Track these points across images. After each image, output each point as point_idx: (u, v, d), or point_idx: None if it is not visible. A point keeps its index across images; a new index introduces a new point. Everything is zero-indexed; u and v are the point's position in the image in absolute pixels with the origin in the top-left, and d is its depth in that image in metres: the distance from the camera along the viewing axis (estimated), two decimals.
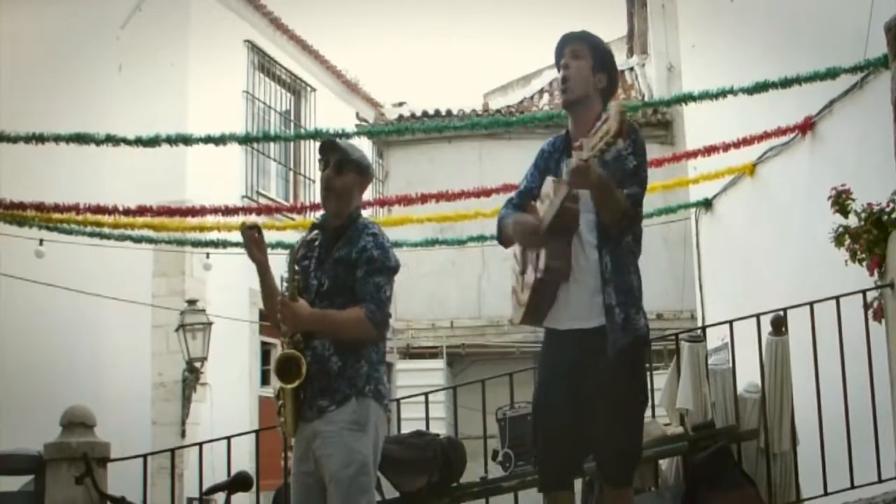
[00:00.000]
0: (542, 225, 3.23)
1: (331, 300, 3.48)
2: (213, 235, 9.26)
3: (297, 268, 3.54)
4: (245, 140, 8.58)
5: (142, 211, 8.35)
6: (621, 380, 3.22)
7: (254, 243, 3.60)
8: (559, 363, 3.29)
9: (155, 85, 10.87)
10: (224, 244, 9.31)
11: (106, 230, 8.54)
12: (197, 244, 9.68)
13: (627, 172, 3.24)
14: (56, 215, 7.98)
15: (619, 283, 3.26)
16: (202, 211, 8.71)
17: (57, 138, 7.11)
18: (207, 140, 7.61)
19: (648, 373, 5.97)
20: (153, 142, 7.47)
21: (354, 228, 3.57)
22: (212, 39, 11.65)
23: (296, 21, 13.51)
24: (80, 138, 7.19)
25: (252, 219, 3.12)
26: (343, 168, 3.58)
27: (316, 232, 3.64)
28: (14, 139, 7.09)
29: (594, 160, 2.95)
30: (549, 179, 3.33)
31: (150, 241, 9.13)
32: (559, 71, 3.41)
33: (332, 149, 3.63)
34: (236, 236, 9.29)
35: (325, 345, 3.45)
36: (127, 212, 8.25)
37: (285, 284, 3.52)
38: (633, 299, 3.29)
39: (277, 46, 13.31)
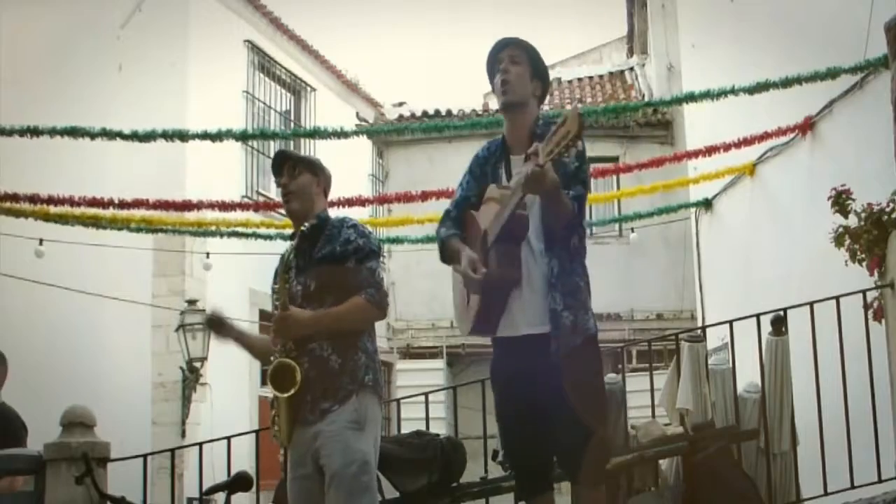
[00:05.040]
0: (489, 235, 3.21)
1: (320, 301, 3.50)
2: (211, 225, 9.28)
3: (286, 276, 3.57)
4: (242, 136, 8.58)
5: (138, 204, 8.36)
6: (577, 381, 3.21)
7: (221, 334, 3.69)
8: (517, 371, 3.26)
9: (155, 85, 10.86)
10: (222, 234, 9.31)
11: (103, 222, 8.54)
12: (196, 233, 9.69)
13: (569, 174, 3.23)
14: (53, 209, 7.97)
15: (564, 288, 3.24)
16: (199, 205, 8.72)
17: (52, 131, 7.12)
18: (204, 136, 7.60)
19: (649, 373, 6.02)
20: (149, 136, 7.46)
21: (331, 226, 3.62)
22: (212, 39, 11.64)
23: (296, 21, 13.51)
24: (75, 131, 7.19)
25: (211, 309, 3.20)
26: (296, 169, 3.69)
27: (290, 244, 3.68)
28: (9, 132, 7.11)
29: (549, 165, 2.95)
30: (493, 186, 3.33)
31: (149, 230, 9.13)
32: (495, 75, 3.42)
33: (284, 158, 3.75)
34: (234, 226, 9.31)
35: (322, 346, 3.46)
36: (123, 204, 8.25)
37: (275, 296, 3.55)
38: (579, 302, 3.26)
39: (277, 46, 13.30)
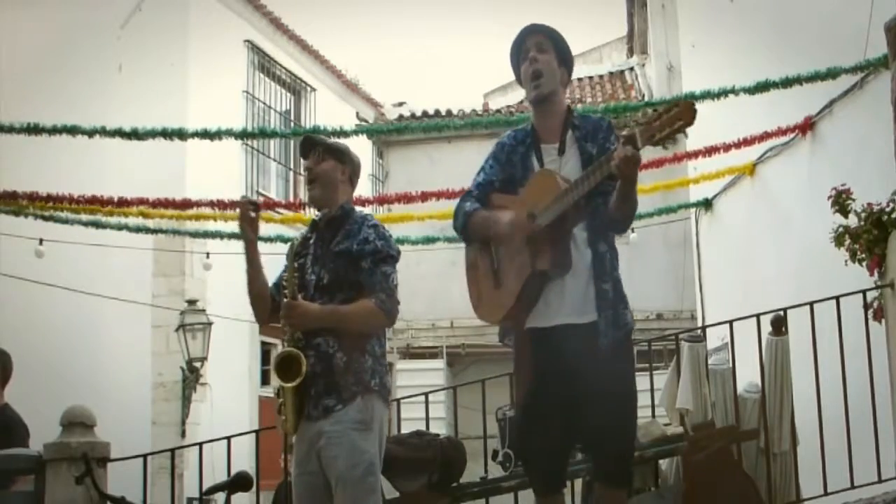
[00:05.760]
0: (545, 216, 3.15)
1: (331, 295, 3.47)
2: (210, 226, 9.26)
3: (295, 265, 3.52)
4: (241, 135, 8.58)
5: (138, 203, 8.37)
6: (618, 375, 3.19)
7: (247, 220, 3.59)
8: (550, 363, 3.19)
9: (155, 85, 10.87)
10: (221, 235, 9.32)
11: (103, 219, 8.55)
12: (196, 235, 9.68)
13: None
14: (51, 205, 7.99)
15: (613, 279, 3.23)
16: (199, 204, 8.72)
17: (52, 130, 7.13)
18: (203, 134, 7.60)
19: (649, 373, 6.02)
20: (148, 134, 7.47)
21: (353, 221, 3.57)
22: (212, 39, 11.64)
23: (296, 21, 13.53)
24: (75, 129, 7.21)
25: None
26: (322, 155, 3.63)
27: (301, 233, 3.64)
28: (9, 129, 7.12)
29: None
30: (545, 170, 3.27)
31: (148, 229, 9.12)
32: (522, 63, 3.38)
33: (311, 144, 3.69)
34: (234, 227, 9.31)
35: (328, 342, 3.43)
36: (122, 202, 8.26)
37: (284, 283, 3.50)
38: (622, 295, 3.26)
39: (277, 46, 13.30)
